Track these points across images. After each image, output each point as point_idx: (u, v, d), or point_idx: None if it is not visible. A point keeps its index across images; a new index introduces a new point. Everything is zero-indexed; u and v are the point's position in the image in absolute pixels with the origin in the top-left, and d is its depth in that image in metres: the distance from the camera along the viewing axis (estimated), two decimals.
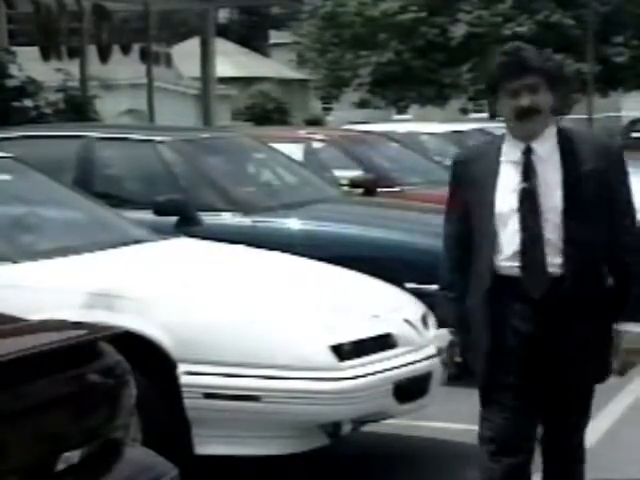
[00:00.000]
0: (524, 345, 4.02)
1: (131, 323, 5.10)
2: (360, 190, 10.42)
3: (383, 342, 5.56)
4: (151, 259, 6.19)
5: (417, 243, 7.73)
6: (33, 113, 13.95)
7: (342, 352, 5.33)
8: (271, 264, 6.36)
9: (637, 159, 17.24)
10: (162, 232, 6.79)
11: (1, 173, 6.78)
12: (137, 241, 6.44)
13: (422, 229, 7.99)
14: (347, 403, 5.29)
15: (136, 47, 19.49)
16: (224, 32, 39.29)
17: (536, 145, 4.01)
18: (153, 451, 3.95)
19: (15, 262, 5.68)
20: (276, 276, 6.12)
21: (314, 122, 32.43)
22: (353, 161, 11.36)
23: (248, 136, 10.30)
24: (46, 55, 17.03)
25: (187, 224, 7.70)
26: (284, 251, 6.59)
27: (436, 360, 5.72)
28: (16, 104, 13.88)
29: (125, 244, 6.31)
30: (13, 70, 14.16)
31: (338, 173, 10.92)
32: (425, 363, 5.67)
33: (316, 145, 11.55)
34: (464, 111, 37.22)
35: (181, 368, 5.21)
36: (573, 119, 32.85)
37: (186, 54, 25.22)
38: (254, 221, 7.92)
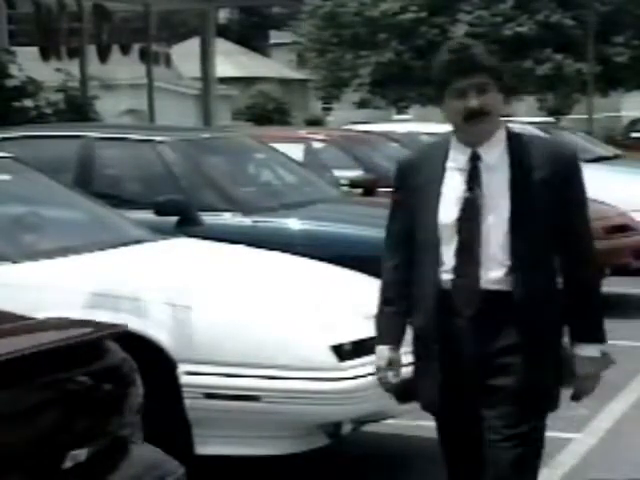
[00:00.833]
0: (471, 368, 3.70)
1: (131, 323, 5.09)
2: (360, 190, 10.43)
3: None
4: (151, 259, 6.19)
5: None
6: (33, 113, 13.95)
7: (342, 352, 5.34)
8: (271, 264, 6.36)
9: (637, 159, 17.34)
10: (163, 232, 6.79)
11: (1, 173, 6.78)
12: (137, 241, 6.44)
13: None
14: (347, 403, 5.30)
15: (136, 47, 19.48)
16: (224, 32, 39.28)
17: (483, 151, 3.71)
18: (159, 449, 3.94)
19: (15, 262, 5.68)
20: (276, 276, 6.12)
21: (314, 122, 32.44)
22: (353, 161, 11.37)
23: (248, 136, 10.30)
24: (46, 55, 17.02)
25: (187, 224, 7.69)
26: (284, 251, 6.60)
27: None
28: (16, 104, 13.88)
29: (125, 244, 6.31)
30: (13, 70, 14.15)
31: (338, 173, 10.92)
32: None
33: (316, 145, 11.56)
34: None
35: (181, 368, 5.21)
36: (573, 119, 32.88)
37: (186, 54, 25.22)
38: (254, 221, 7.92)
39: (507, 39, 30.87)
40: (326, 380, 5.24)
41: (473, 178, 3.69)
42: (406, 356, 5.61)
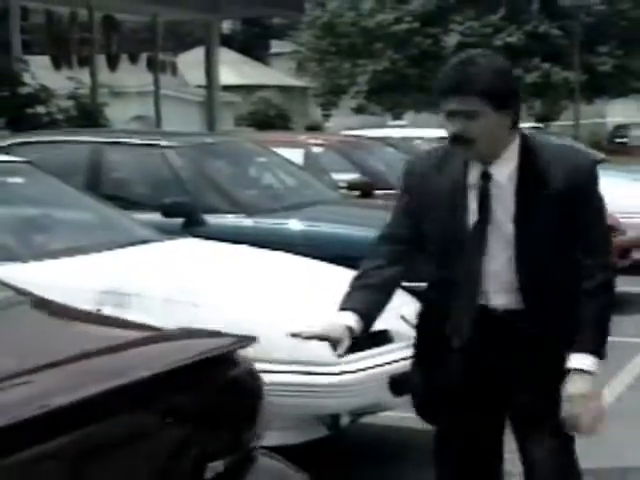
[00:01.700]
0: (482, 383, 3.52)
1: (138, 320, 5.08)
2: (357, 192, 10.42)
3: (379, 337, 5.55)
4: (158, 258, 6.18)
5: None
6: (45, 119, 13.93)
7: None
8: (272, 263, 6.35)
9: (622, 163, 17.33)
10: (169, 233, 6.79)
11: (15, 176, 6.78)
12: (144, 241, 6.43)
13: None
14: (345, 396, 5.29)
15: (144, 56, 19.50)
16: (228, 42, 39.24)
17: (494, 169, 3.37)
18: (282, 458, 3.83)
19: (27, 261, 5.68)
20: (277, 274, 6.12)
21: (313, 128, 32.38)
22: (351, 165, 11.36)
23: (251, 141, 10.29)
24: (58, 64, 17.04)
25: (193, 225, 7.69)
26: (285, 251, 6.59)
27: None
28: (29, 110, 13.86)
29: (133, 244, 6.31)
30: (26, 78, 14.14)
31: (336, 176, 10.91)
32: None
33: (315, 150, 11.54)
34: None
35: None
36: (561, 125, 32.88)
37: (191, 63, 25.19)
38: (256, 222, 7.91)
39: (497, 49, 30.79)
40: (325, 374, 5.23)
41: (483, 198, 3.38)
42: (404, 350, 5.62)
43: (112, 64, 18.50)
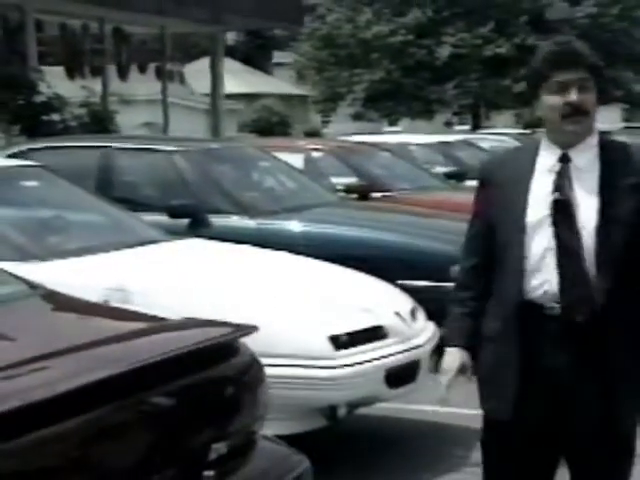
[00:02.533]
0: (554, 382, 3.16)
1: None
2: (355, 195, 10.41)
3: (376, 333, 5.54)
4: (164, 257, 6.17)
5: (407, 243, 7.71)
6: (60, 126, 13.92)
7: (339, 342, 5.31)
8: (274, 262, 6.33)
9: None
10: (176, 233, 6.78)
11: (31, 180, 6.78)
12: (152, 241, 6.42)
13: (411, 230, 7.99)
14: (343, 388, 5.27)
15: (152, 66, 19.49)
16: (232, 53, 39.24)
17: (574, 154, 3.18)
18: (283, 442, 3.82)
19: (43, 260, 5.66)
20: (279, 273, 6.10)
21: (313, 134, 32.35)
22: (349, 169, 11.34)
23: (253, 146, 10.28)
24: (71, 74, 17.04)
25: (198, 226, 7.68)
26: (286, 250, 6.57)
27: (424, 349, 5.73)
28: (44, 118, 13.85)
29: (141, 244, 6.29)
30: (42, 87, 14.13)
31: (335, 180, 10.89)
32: (414, 352, 5.66)
33: (315, 154, 11.52)
34: (448, 124, 37.22)
35: None
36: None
37: (197, 72, 25.17)
38: (259, 223, 7.90)
39: (487, 59, 30.87)
40: (324, 368, 5.22)
41: (563, 178, 3.17)
42: (398, 345, 5.61)
43: (122, 74, 18.49)
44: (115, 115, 15.52)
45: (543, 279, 3.15)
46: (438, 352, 3.90)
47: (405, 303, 6.01)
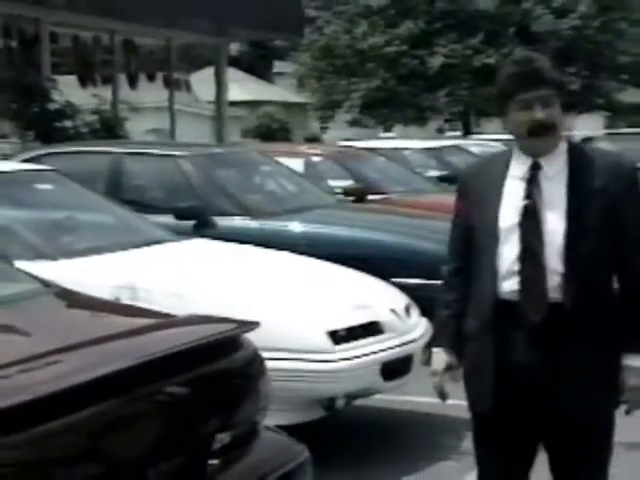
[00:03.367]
0: (526, 378, 3.17)
1: None
2: (352, 197, 10.40)
3: (372, 328, 5.53)
4: (171, 257, 6.16)
5: (402, 243, 7.70)
6: (72, 132, 13.89)
7: (337, 337, 5.31)
8: (276, 261, 6.32)
9: None
10: (182, 234, 6.77)
11: (44, 183, 6.77)
12: (159, 241, 6.41)
13: (406, 231, 7.98)
14: (341, 381, 5.27)
15: (160, 75, 19.44)
16: (235, 62, 39.19)
17: (544, 162, 3.19)
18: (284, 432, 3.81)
19: (56, 259, 5.65)
20: (280, 272, 6.09)
21: (312, 139, 32.31)
22: (346, 173, 11.32)
23: (256, 151, 10.27)
24: (83, 83, 17.01)
25: (203, 227, 7.66)
26: (287, 250, 6.56)
27: (417, 344, 5.72)
28: (57, 124, 13.82)
29: (149, 244, 6.28)
30: (55, 95, 14.10)
31: (333, 183, 10.88)
32: (408, 346, 5.66)
33: (314, 159, 11.51)
34: (440, 130, 37.19)
35: None
36: None
37: (203, 81, 25.14)
38: (261, 224, 7.89)
39: (477, 69, 30.81)
40: (323, 361, 5.21)
41: (532, 186, 3.18)
42: (393, 340, 5.60)
43: (132, 82, 18.45)
44: (125, 122, 15.49)
45: (514, 281, 3.18)
46: (430, 346, 3.88)
47: (400, 300, 6.00)
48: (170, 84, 19.43)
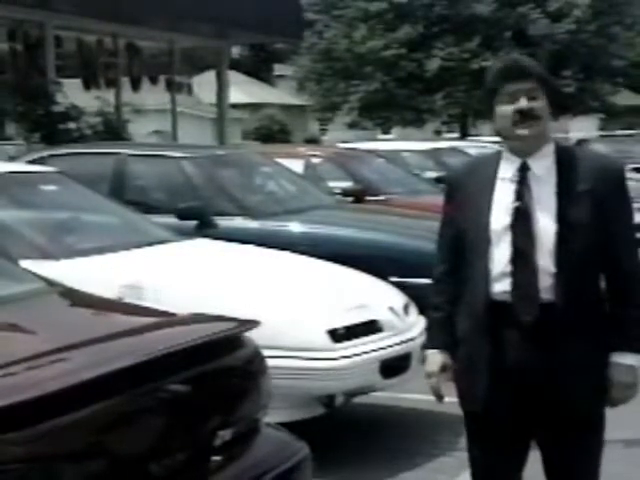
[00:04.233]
0: (519, 378, 3.15)
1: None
2: (351, 198, 10.40)
3: (371, 327, 5.54)
4: (174, 256, 6.16)
5: (400, 243, 7.70)
6: (76, 134, 13.89)
7: (336, 335, 5.31)
8: (276, 260, 6.32)
9: None
10: (184, 234, 6.77)
11: (49, 184, 6.76)
12: (162, 241, 6.41)
13: (404, 231, 7.98)
14: (340, 379, 5.27)
15: (162, 78, 19.42)
16: (236, 65, 39.18)
17: (532, 162, 3.19)
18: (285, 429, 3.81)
19: (61, 259, 5.65)
20: (280, 271, 6.09)
21: (312, 141, 32.33)
22: (345, 174, 11.32)
23: (256, 153, 10.27)
24: (87, 85, 16.99)
25: (205, 227, 7.66)
26: (287, 250, 6.56)
27: (415, 342, 5.72)
28: (62, 126, 13.82)
29: (152, 244, 6.28)
30: (59, 98, 14.10)
31: (332, 184, 10.88)
32: (406, 344, 5.66)
33: (314, 160, 11.51)
34: (438, 132, 37.19)
35: None
36: None
37: (204, 84, 25.14)
38: (261, 224, 7.89)
39: (474, 72, 30.79)
40: (323, 359, 5.21)
41: (522, 187, 3.17)
42: (392, 338, 5.60)
43: (135, 85, 18.43)
44: (128, 124, 15.50)
45: (506, 282, 3.16)
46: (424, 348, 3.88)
47: (398, 299, 6.00)
48: (172, 87, 19.42)
